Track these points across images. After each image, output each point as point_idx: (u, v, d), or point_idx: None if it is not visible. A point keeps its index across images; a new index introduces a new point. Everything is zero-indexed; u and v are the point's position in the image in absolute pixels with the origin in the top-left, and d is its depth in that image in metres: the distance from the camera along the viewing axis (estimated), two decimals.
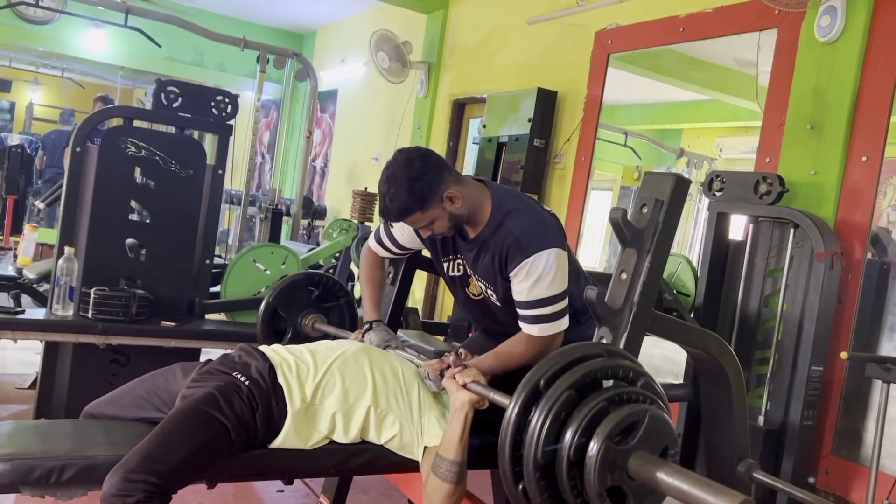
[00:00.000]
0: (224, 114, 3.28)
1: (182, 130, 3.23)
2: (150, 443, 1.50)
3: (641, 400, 1.24)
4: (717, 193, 2.76)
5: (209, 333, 3.11)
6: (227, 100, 3.28)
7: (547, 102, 4.10)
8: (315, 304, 2.49)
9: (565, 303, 1.81)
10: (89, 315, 2.87)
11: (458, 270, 2.02)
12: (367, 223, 5.45)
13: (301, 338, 2.43)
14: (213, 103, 3.26)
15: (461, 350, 1.82)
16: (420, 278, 4.98)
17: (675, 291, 2.96)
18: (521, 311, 1.83)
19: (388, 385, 1.78)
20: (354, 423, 1.74)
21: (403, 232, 2.11)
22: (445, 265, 2.04)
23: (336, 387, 1.74)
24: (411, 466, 1.76)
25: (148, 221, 3.10)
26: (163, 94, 3.17)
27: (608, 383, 1.28)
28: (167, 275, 3.12)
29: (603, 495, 1.16)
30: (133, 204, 3.09)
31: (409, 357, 1.95)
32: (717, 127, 4.40)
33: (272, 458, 1.67)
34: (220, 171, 3.26)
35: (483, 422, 1.70)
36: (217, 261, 3.69)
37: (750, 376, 2.61)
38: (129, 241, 3.07)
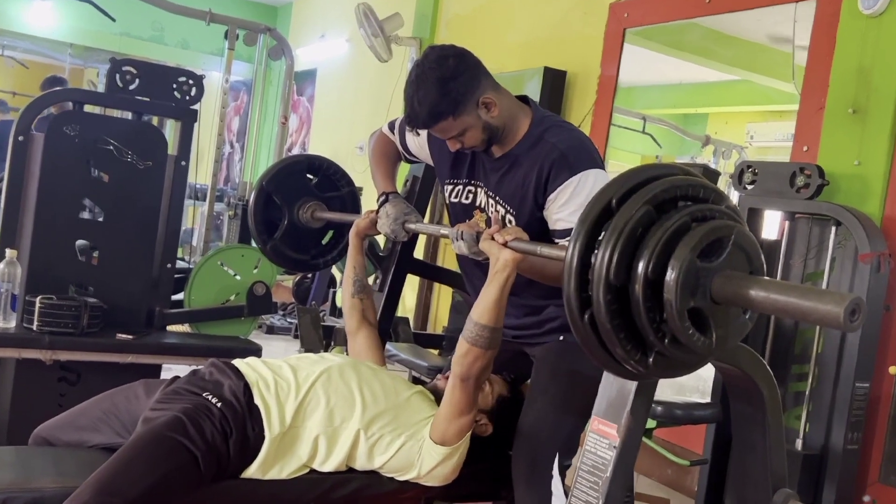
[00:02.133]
0: (187, 97, 3.27)
1: (140, 116, 3.22)
2: (107, 472, 1.50)
3: (727, 218, 1.22)
4: (748, 187, 2.77)
5: (171, 347, 3.09)
6: (190, 81, 3.27)
7: (555, 84, 4.11)
8: (314, 192, 2.53)
9: None
10: (34, 327, 2.85)
11: (466, 198, 2.01)
12: None
13: (298, 228, 2.47)
14: (174, 85, 3.25)
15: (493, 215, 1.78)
16: (411, 283, 4.99)
17: None
18: (562, 243, 1.81)
19: (378, 404, 1.78)
20: (339, 447, 1.74)
21: (416, 137, 2.12)
22: (450, 189, 2.04)
23: (320, 407, 1.75)
24: (405, 498, 1.77)
25: (101, 220, 3.07)
26: (117, 75, 3.16)
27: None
28: (123, 281, 3.10)
29: (684, 315, 1.14)
30: (84, 200, 3.07)
31: (434, 231, 2.00)
32: (748, 111, 4.42)
33: (245, 491, 1.66)
34: (183, 163, 3.24)
35: (482, 445, 1.71)
36: (180, 265, 3.67)
37: (786, 394, 2.62)
38: (80, 242, 3.05)
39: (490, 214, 1.96)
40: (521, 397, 1.96)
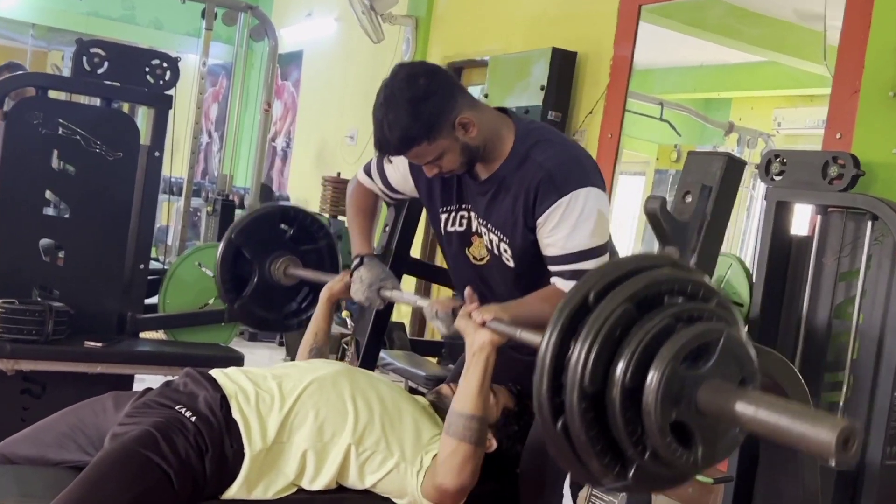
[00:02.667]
0: (161, 82, 3.27)
1: (109, 103, 3.21)
2: (73, 493, 1.49)
3: (716, 319, 1.21)
4: (776, 178, 2.76)
5: (145, 356, 3.09)
6: (164, 64, 3.27)
7: (564, 66, 4.10)
8: (288, 245, 2.54)
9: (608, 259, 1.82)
10: None
11: (461, 225, 2.01)
12: (340, 217, 5.46)
13: (269, 285, 2.49)
14: (147, 69, 3.24)
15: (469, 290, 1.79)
16: (407, 286, 4.98)
17: None
18: (555, 269, 1.83)
19: (374, 417, 1.77)
20: (329, 464, 1.73)
21: (397, 170, 2.12)
22: (444, 218, 2.04)
23: (308, 420, 1.74)
24: None
25: (67, 216, 3.07)
26: (85, 58, 3.15)
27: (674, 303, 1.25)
28: (92, 283, 3.10)
29: (665, 430, 1.13)
30: (48, 195, 3.07)
31: (410, 300, 1.96)
32: (775, 96, 4.42)
33: None
34: (156, 154, 3.24)
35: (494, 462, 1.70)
36: (154, 265, 3.67)
37: (818, 405, 2.61)
38: (44, 241, 3.05)
39: (475, 222, 1.97)
40: (530, 411, 1.95)
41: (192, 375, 1.82)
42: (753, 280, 2.84)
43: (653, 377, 1.12)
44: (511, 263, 1.95)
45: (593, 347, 1.14)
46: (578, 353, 1.15)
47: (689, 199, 1.54)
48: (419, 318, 5.27)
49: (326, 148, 6.65)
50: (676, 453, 1.14)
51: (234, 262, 2.51)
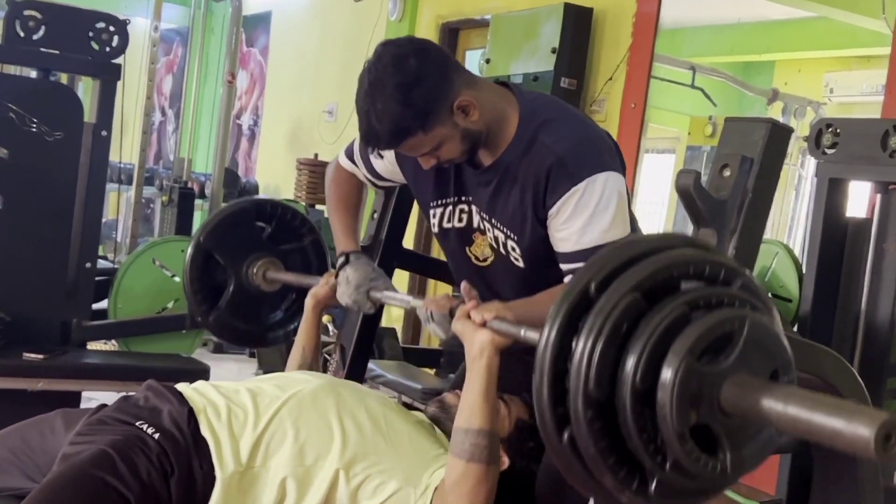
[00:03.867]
0: (108, 49, 3.27)
1: (47, 74, 3.22)
2: None
3: (738, 305, 1.20)
4: (829, 151, 2.78)
5: (93, 370, 3.10)
6: (111, 28, 3.27)
7: (579, 25, 4.11)
8: (267, 245, 2.56)
9: None
10: None
11: (461, 220, 2.03)
12: (319, 206, 5.47)
13: (248, 293, 2.51)
14: (91, 34, 3.25)
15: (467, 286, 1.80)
16: (400, 284, 4.99)
17: (769, 294, 2.99)
18: (567, 268, 1.83)
19: (363, 438, 1.78)
20: (314, 493, 1.74)
21: (383, 156, 2.14)
22: (438, 213, 2.06)
23: (287, 442, 1.75)
24: None
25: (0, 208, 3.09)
26: (17, 22, 3.16)
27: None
28: (30, 286, 3.10)
29: (685, 435, 1.12)
30: None
31: (404, 302, 2.00)
32: (826, 57, 4.43)
33: None
34: (103, 133, 3.24)
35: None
36: (102, 264, 3.67)
37: None
38: None
39: (476, 218, 1.99)
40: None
41: (155, 388, 1.82)
42: (803, 271, 2.86)
43: (666, 376, 1.12)
44: (520, 263, 1.96)
45: (597, 346, 1.14)
46: (581, 354, 1.15)
47: (727, 172, 1.55)
48: (412, 322, 5.29)
49: (301, 126, 6.66)
50: (700, 461, 1.13)
51: (206, 269, 2.52)
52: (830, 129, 2.79)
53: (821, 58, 4.45)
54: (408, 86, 1.77)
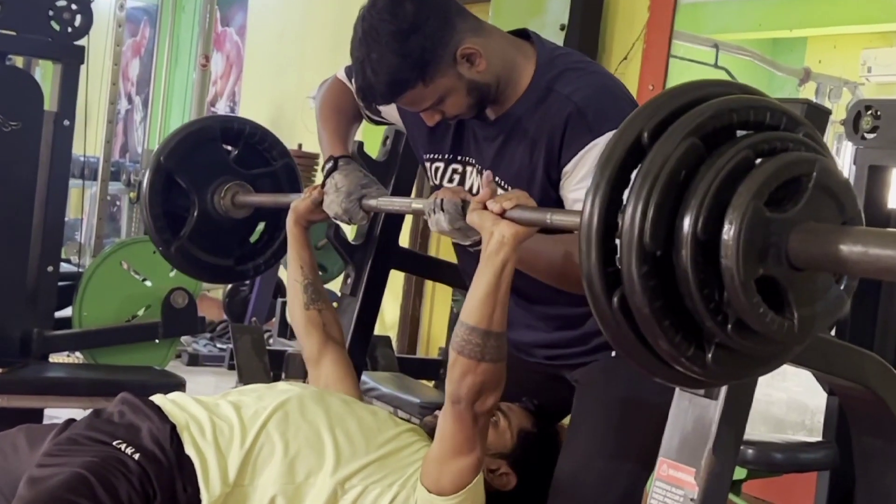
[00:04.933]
0: (70, 29, 3.30)
1: (2, 58, 3.25)
2: None
3: (805, 150, 1.21)
4: (868, 136, 2.81)
5: (57, 384, 3.13)
6: (73, 6, 3.30)
7: None
8: (234, 169, 2.60)
9: None
10: None
11: (451, 180, 2.05)
12: None
13: (214, 220, 2.54)
14: (50, 12, 3.27)
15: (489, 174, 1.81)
16: (393, 288, 5.03)
17: None
18: None
19: (356, 450, 1.83)
20: None
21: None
22: (434, 168, 2.08)
23: (275, 457, 1.79)
24: None
25: None
26: None
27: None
28: None
29: (750, 287, 1.13)
30: None
31: (403, 206, 2.07)
32: (864, 32, 4.44)
33: None
34: (65, 123, 3.27)
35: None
36: (65, 268, 3.70)
37: None
38: None
39: (475, 179, 1.99)
40: (556, 436, 2.01)
41: (130, 402, 1.85)
42: None
43: (731, 224, 1.12)
44: None
45: (652, 196, 1.14)
46: (634, 206, 1.15)
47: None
48: (409, 328, 5.32)
49: (283, 113, 6.67)
50: (767, 318, 1.14)
51: (167, 194, 2.55)
52: (870, 112, 2.82)
53: (858, 33, 4.45)
54: (404, 33, 1.79)
